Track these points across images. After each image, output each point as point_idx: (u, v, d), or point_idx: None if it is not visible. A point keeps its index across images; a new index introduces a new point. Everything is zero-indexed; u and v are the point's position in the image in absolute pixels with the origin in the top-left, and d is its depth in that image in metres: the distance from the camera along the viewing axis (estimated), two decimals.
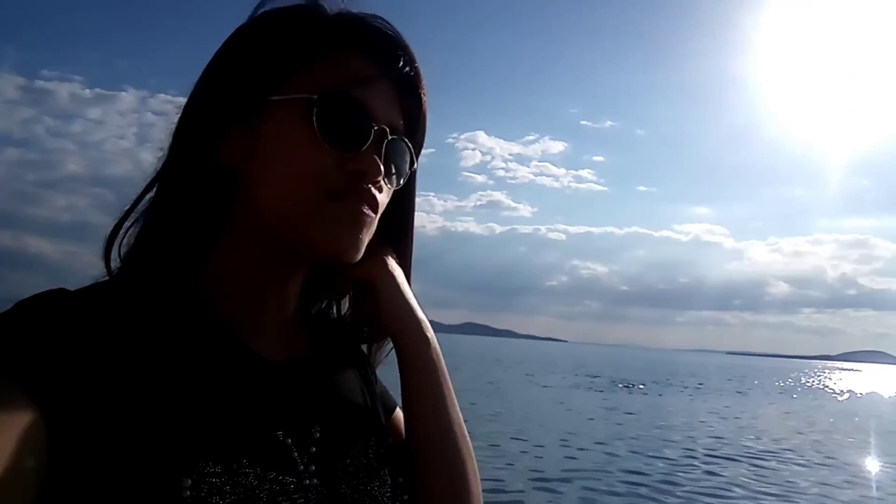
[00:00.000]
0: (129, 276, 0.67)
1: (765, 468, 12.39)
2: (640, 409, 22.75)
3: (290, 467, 0.61)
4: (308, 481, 0.62)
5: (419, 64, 0.72)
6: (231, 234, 0.68)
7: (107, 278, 0.67)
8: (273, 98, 0.64)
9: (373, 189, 0.67)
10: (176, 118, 0.69)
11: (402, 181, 0.73)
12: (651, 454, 12.81)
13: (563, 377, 38.96)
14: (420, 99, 0.73)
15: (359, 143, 0.65)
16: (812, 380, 66.36)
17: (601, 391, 29.52)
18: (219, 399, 0.59)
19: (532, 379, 35.30)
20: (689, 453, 13.25)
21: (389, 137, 0.68)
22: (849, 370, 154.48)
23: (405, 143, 0.72)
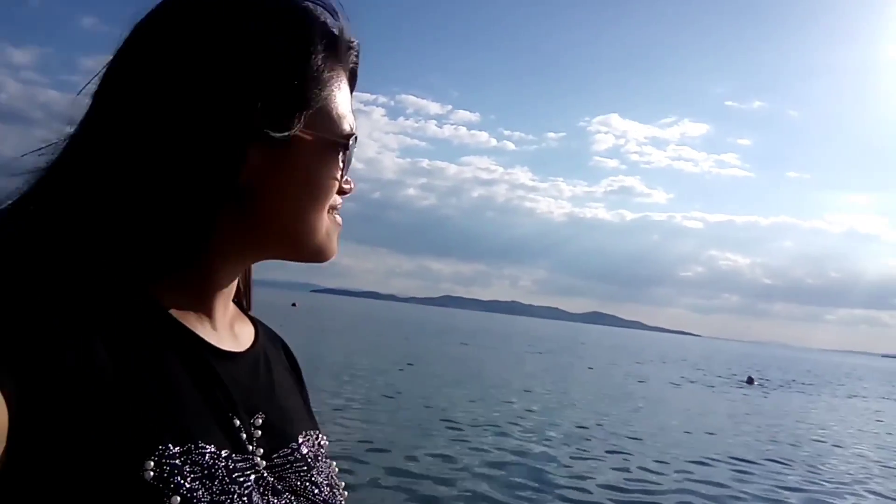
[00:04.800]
0: (75, 260, 0.62)
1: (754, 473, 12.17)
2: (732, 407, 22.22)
3: (241, 448, 0.65)
4: (257, 460, 0.67)
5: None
6: (216, 234, 0.66)
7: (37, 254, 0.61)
8: (305, 132, 0.68)
9: None
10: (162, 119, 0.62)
11: None
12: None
13: (673, 370, 38.17)
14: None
15: (346, 168, 0.73)
16: None
17: (711, 387, 28.85)
18: (173, 382, 0.62)
19: (631, 368, 34.97)
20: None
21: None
22: None
23: None
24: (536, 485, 8.38)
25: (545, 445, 11.04)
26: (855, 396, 32.10)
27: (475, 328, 79.07)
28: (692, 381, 30.03)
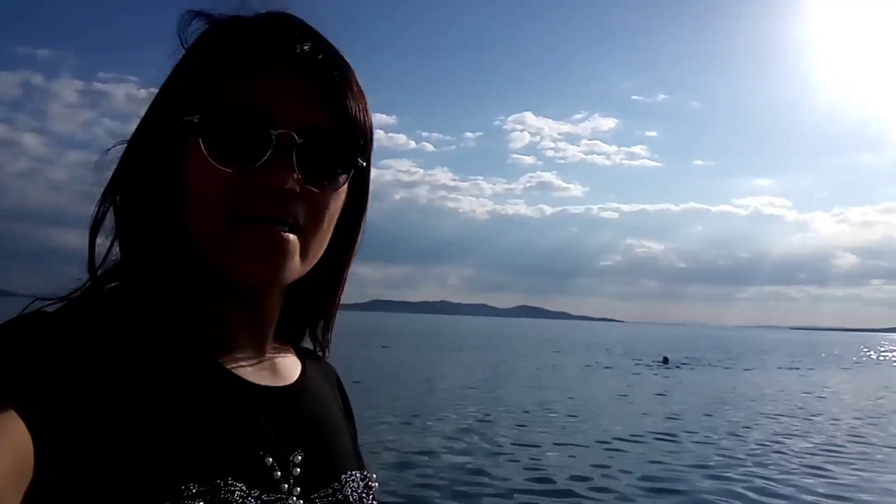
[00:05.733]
0: (111, 296, 0.66)
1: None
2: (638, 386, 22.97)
3: (274, 487, 0.62)
4: (292, 501, 0.63)
5: (333, 49, 0.68)
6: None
7: (84, 292, 0.66)
8: (176, 124, 0.64)
9: (291, 202, 0.63)
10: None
11: (341, 181, 0.68)
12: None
13: (593, 356, 39.30)
14: (338, 89, 0.66)
15: (256, 154, 0.61)
16: (865, 353, 64.39)
17: (621, 372, 29.78)
18: (199, 421, 0.60)
19: (552, 358, 35.80)
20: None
21: (300, 140, 0.63)
22: None
23: (335, 141, 0.66)
24: (433, 482, 8.39)
25: (448, 440, 11.10)
26: (754, 370, 34.01)
27: (401, 330, 79.10)
28: (607, 367, 30.98)
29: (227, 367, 0.66)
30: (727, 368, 33.42)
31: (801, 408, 17.73)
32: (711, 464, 10.07)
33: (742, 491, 8.46)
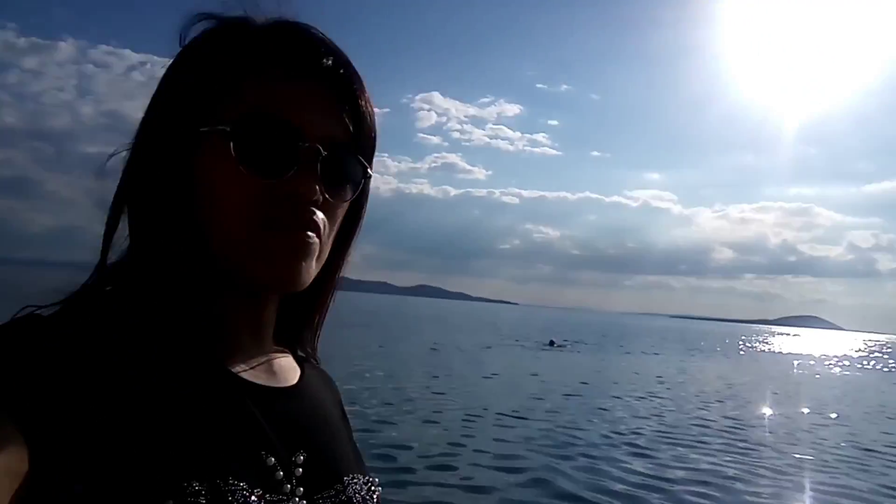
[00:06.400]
0: (110, 297, 0.67)
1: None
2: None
3: (276, 487, 0.63)
4: (295, 501, 0.64)
5: (350, 63, 0.71)
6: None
7: (81, 293, 0.67)
8: (202, 130, 0.65)
9: (315, 211, 0.66)
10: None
11: (355, 192, 0.73)
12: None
13: (487, 337, 40.22)
14: (356, 102, 0.70)
15: (286, 166, 0.64)
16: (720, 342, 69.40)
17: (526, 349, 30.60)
18: (201, 420, 0.60)
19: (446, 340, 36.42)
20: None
21: (324, 153, 0.66)
22: (784, 334, 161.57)
23: (351, 153, 0.70)
24: None
25: None
26: (627, 354, 36.35)
27: None
28: (488, 347, 31.87)
29: (230, 367, 0.68)
30: (599, 352, 35.35)
31: (652, 391, 19.03)
32: (550, 443, 10.68)
33: (573, 467, 9.05)
